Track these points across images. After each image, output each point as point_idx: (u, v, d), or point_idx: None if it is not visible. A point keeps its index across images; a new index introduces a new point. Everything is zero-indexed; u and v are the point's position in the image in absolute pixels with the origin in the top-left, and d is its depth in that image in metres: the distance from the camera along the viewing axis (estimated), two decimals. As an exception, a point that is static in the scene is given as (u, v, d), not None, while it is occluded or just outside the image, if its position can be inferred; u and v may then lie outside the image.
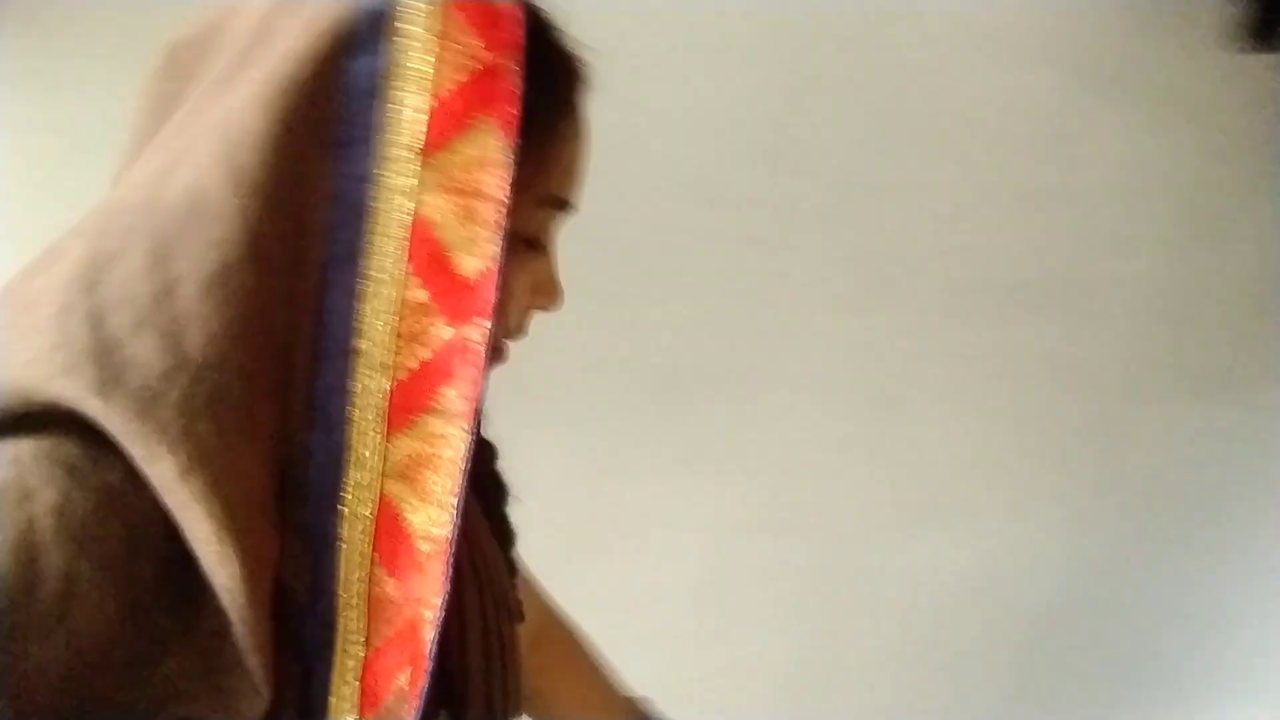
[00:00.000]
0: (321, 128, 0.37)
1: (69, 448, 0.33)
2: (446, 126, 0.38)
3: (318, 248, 0.38)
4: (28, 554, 0.30)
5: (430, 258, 0.38)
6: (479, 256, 0.38)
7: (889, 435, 1.37)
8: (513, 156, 0.38)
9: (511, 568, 0.59)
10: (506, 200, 0.38)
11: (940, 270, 1.37)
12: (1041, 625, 1.40)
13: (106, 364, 0.33)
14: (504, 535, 0.58)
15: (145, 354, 0.33)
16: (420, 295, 0.38)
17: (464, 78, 0.38)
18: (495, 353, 0.46)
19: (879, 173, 1.35)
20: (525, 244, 0.45)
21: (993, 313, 1.38)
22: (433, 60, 0.38)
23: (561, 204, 0.47)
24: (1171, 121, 1.41)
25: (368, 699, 0.38)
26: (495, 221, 0.38)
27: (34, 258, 0.38)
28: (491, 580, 0.51)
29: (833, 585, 1.34)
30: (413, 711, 0.38)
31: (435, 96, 0.38)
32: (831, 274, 1.35)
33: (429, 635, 0.38)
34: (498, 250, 0.38)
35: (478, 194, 0.38)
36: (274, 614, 0.36)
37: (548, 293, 0.48)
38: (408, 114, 0.38)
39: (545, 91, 0.41)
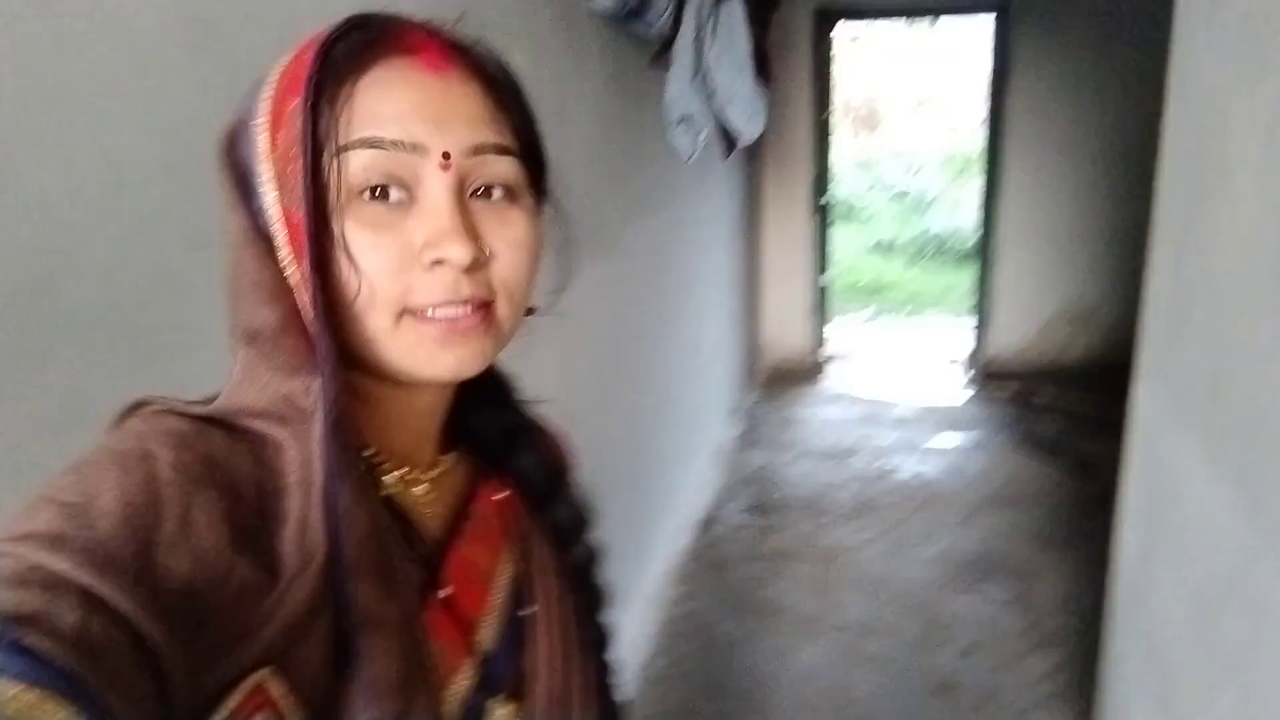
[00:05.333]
0: (242, 172, 0.49)
1: (177, 423, 0.45)
2: (275, 132, 0.48)
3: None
4: (155, 493, 0.40)
5: (291, 232, 0.48)
6: (297, 207, 0.47)
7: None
8: (301, 121, 0.46)
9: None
10: (301, 157, 0.46)
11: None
12: None
13: None
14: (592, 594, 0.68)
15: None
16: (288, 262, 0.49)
17: (280, 96, 0.48)
18: (409, 312, 0.49)
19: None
20: (375, 195, 0.48)
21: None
22: (272, 102, 0.48)
23: (368, 142, 0.47)
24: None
25: None
26: (297, 173, 0.46)
27: None
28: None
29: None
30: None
31: (271, 122, 0.48)
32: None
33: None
34: (303, 198, 0.46)
35: (290, 160, 0.47)
36: None
37: (432, 242, 0.48)
38: (262, 144, 0.48)
39: (330, 67, 0.47)
